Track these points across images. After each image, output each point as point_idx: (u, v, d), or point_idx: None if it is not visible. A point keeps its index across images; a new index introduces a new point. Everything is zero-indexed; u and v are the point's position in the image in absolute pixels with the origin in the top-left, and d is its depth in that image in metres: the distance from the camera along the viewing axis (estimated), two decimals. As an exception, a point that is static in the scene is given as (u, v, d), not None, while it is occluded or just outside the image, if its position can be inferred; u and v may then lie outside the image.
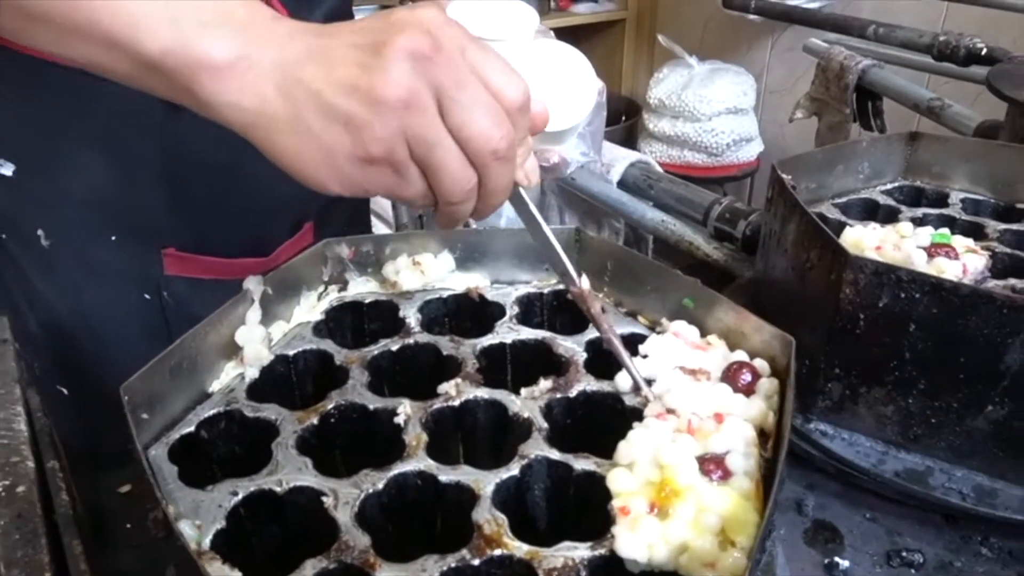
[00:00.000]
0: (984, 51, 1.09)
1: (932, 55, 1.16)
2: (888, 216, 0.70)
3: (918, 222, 0.68)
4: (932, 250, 0.58)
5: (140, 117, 0.66)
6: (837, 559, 0.50)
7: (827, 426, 0.57)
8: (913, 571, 0.50)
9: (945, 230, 0.62)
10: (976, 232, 0.67)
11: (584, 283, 0.46)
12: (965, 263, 0.57)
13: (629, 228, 1.02)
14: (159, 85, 0.40)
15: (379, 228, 1.05)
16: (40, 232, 0.67)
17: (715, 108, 2.13)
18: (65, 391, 0.73)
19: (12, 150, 0.65)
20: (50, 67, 0.61)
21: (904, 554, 0.51)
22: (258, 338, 0.48)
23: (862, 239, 0.61)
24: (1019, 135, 0.88)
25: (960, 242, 0.60)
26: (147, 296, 0.72)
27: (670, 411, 0.41)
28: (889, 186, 0.75)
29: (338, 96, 0.38)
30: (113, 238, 0.69)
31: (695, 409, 0.40)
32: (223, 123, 0.40)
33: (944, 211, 0.71)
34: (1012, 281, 0.59)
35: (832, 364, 0.55)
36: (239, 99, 0.39)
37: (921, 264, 0.57)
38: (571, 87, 0.57)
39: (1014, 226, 0.68)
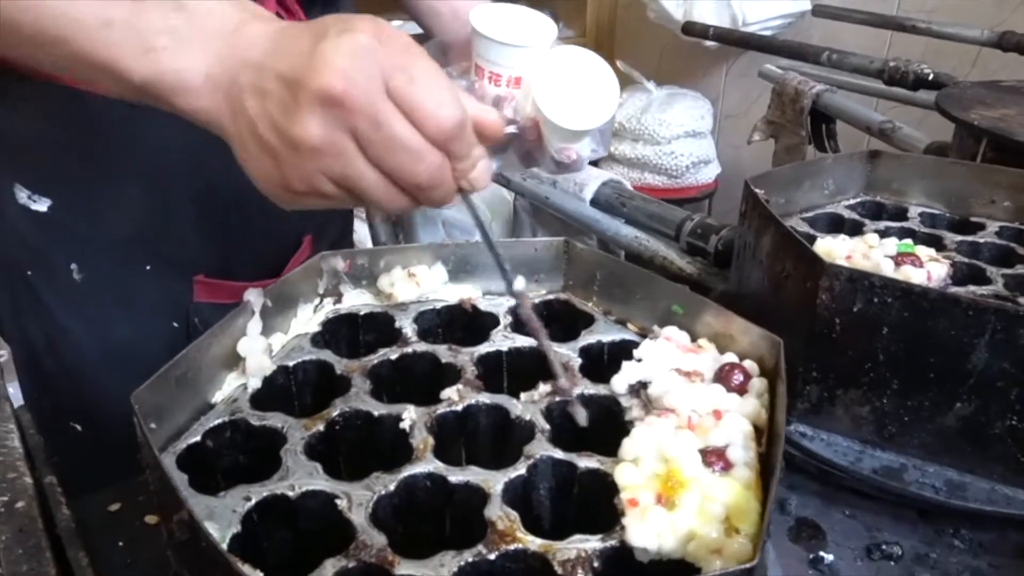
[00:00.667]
0: (931, 76, 1.15)
1: (883, 80, 1.22)
2: (853, 229, 0.74)
3: (881, 234, 0.72)
4: (899, 259, 0.61)
5: (176, 150, 0.67)
6: (821, 553, 0.52)
7: (806, 427, 0.59)
8: (892, 563, 0.52)
9: (908, 241, 0.65)
10: (935, 244, 0.71)
11: (519, 283, 0.48)
12: (929, 271, 0.60)
13: (601, 245, 1.04)
14: (151, 102, 0.43)
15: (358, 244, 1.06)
16: (74, 266, 0.67)
17: (674, 131, 2.19)
18: (79, 427, 0.72)
19: (51, 187, 0.65)
20: (91, 102, 0.63)
21: (883, 547, 0.53)
22: (260, 349, 0.48)
23: (833, 249, 0.64)
24: (968, 154, 0.93)
25: (923, 251, 0.63)
26: (175, 324, 0.73)
27: (669, 410, 0.43)
28: (852, 201, 0.79)
29: (267, 131, 0.40)
30: (148, 268, 0.70)
31: (693, 408, 0.42)
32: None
33: (904, 224, 0.75)
34: (972, 288, 0.62)
35: (810, 368, 0.58)
36: (215, 116, 0.42)
37: (889, 272, 0.60)
38: (593, 90, 0.60)
39: (969, 237, 0.72)
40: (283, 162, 0.40)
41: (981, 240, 0.71)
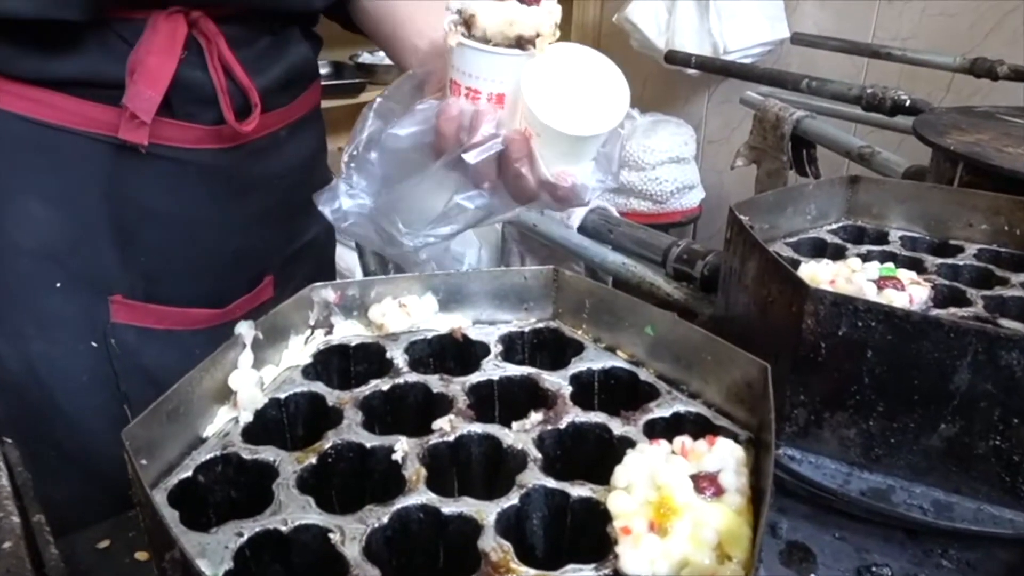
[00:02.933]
0: (908, 102, 1.18)
1: (861, 106, 1.25)
2: (836, 253, 0.75)
3: (864, 258, 0.73)
4: (881, 283, 0.62)
5: (87, 167, 0.67)
6: (813, 576, 0.53)
7: (795, 451, 0.60)
8: (883, 585, 0.53)
9: (890, 264, 0.66)
10: (916, 267, 0.72)
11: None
12: (911, 294, 0.62)
13: (589, 271, 1.05)
14: None
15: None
16: None
17: (658, 158, 2.22)
18: (10, 441, 0.72)
19: None
20: None
21: (873, 569, 0.54)
22: (251, 382, 0.48)
23: (816, 274, 0.65)
24: (945, 178, 0.95)
25: (905, 275, 0.64)
26: (94, 344, 0.71)
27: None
28: (834, 225, 0.81)
29: None
30: (58, 285, 0.69)
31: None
32: None
33: (886, 248, 0.76)
34: (953, 310, 0.63)
35: (797, 392, 0.59)
36: None
37: (872, 295, 0.61)
38: (597, 92, 0.55)
39: (949, 260, 0.73)
40: None
41: (961, 263, 0.73)
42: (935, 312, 0.61)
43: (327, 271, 0.95)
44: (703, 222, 2.39)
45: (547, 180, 0.59)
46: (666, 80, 2.51)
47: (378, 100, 0.63)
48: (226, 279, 0.78)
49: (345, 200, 0.62)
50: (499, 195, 0.61)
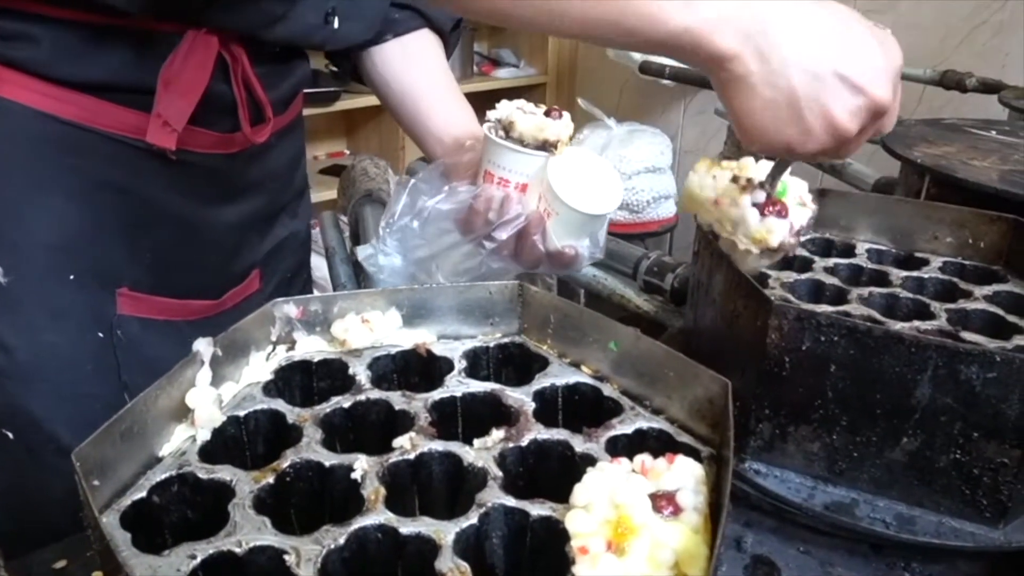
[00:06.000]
0: (877, 114, 1.19)
1: (831, 118, 1.26)
2: (803, 266, 0.75)
3: (830, 271, 0.73)
4: (765, 208, 0.61)
5: (108, 167, 0.71)
6: (777, 592, 0.53)
7: (760, 465, 0.60)
8: (847, 599, 0.53)
9: (780, 186, 0.63)
10: (881, 279, 0.73)
11: None
12: (792, 221, 0.61)
13: (560, 283, 1.05)
14: (669, 52, 0.51)
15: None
16: (0, 270, 0.68)
17: (634, 167, 2.23)
18: (11, 435, 0.72)
19: None
20: (23, 117, 0.66)
21: (837, 583, 0.54)
22: (209, 400, 0.48)
23: (703, 191, 0.64)
24: (912, 190, 0.96)
25: (794, 194, 0.63)
26: (101, 335, 0.74)
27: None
28: (803, 238, 0.81)
29: (808, 103, 0.50)
30: (71, 277, 0.72)
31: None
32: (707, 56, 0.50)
33: (853, 260, 0.76)
34: (916, 323, 0.64)
35: (762, 405, 0.59)
36: (733, 54, 0.49)
37: (755, 222, 0.61)
38: (602, 181, 0.72)
39: (914, 273, 0.74)
40: (803, 124, 0.50)
41: (925, 275, 0.73)
42: (898, 326, 0.62)
43: (305, 267, 0.99)
44: (679, 232, 2.40)
45: (554, 251, 0.74)
46: (642, 90, 2.53)
47: (412, 182, 0.79)
48: (221, 272, 0.83)
49: (382, 258, 0.79)
50: (514, 260, 0.77)
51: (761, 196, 0.61)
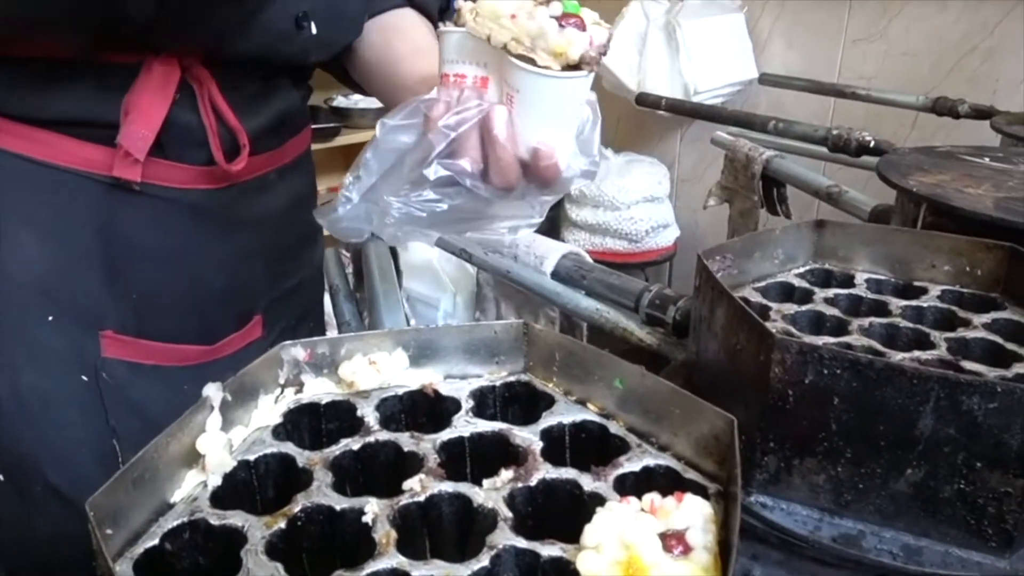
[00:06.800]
0: (872, 143, 1.21)
1: (827, 147, 1.28)
2: (803, 297, 0.76)
3: (831, 302, 0.74)
4: (563, 20, 0.56)
5: (80, 204, 0.69)
6: (788, 626, 0.53)
7: (766, 498, 0.60)
8: (857, 632, 0.53)
9: (575, 2, 0.58)
10: (881, 310, 0.73)
11: None
12: (592, 35, 0.57)
13: (564, 316, 1.06)
14: None
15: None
16: None
17: (633, 197, 2.25)
18: (1, 477, 0.72)
19: None
20: None
21: (847, 616, 0.54)
22: (220, 445, 0.48)
23: (498, 7, 0.57)
24: (909, 218, 0.97)
25: (588, 15, 0.58)
26: (84, 378, 0.72)
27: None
28: (802, 269, 0.82)
29: None
30: (50, 318, 0.70)
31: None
32: None
33: (852, 291, 0.77)
34: (917, 353, 0.64)
35: (767, 439, 0.59)
36: None
37: (554, 34, 0.56)
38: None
39: (913, 302, 0.75)
40: None
41: (924, 304, 0.74)
42: (898, 356, 0.62)
43: (315, 314, 0.96)
44: (678, 260, 2.42)
45: (528, 152, 0.59)
46: (639, 120, 2.56)
47: (382, 123, 0.63)
48: (215, 316, 0.80)
49: (341, 209, 0.63)
50: (483, 180, 0.60)
51: (557, 8, 0.56)
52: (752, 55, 2.25)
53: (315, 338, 0.56)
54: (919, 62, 1.97)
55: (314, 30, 0.74)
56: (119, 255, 0.71)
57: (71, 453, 0.73)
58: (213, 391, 0.49)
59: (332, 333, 1.25)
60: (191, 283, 0.76)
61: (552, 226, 2.54)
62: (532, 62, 0.56)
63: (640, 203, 2.27)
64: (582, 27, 0.56)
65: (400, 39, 0.81)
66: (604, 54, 0.57)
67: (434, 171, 0.59)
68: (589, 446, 0.53)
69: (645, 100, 1.68)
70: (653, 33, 2.20)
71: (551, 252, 1.02)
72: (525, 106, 0.58)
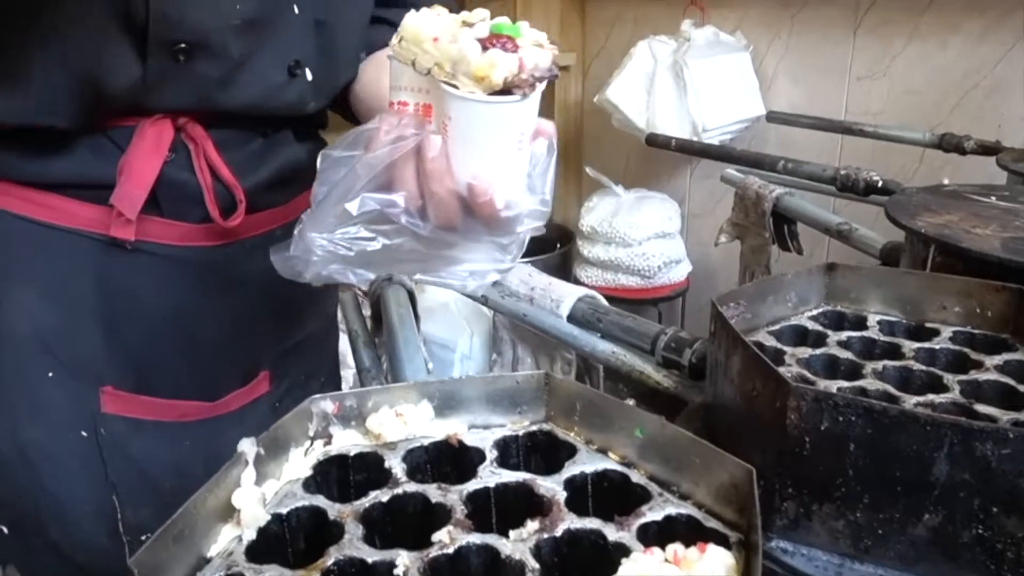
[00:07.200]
0: (880, 183, 1.23)
1: (836, 187, 1.30)
2: (817, 340, 0.77)
3: (844, 345, 0.75)
4: (488, 41, 0.52)
5: (78, 263, 0.70)
6: (811, 673, 0.53)
7: (786, 543, 0.61)
8: None
9: (504, 20, 0.54)
10: (894, 352, 0.75)
11: None
12: (523, 57, 0.52)
13: (580, 359, 1.07)
14: None
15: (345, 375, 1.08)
16: None
17: (644, 233, 2.27)
18: (5, 529, 0.72)
19: None
20: None
21: (870, 662, 0.54)
22: (255, 499, 0.50)
23: (421, 30, 0.54)
24: (919, 258, 0.99)
25: (531, 36, 0.54)
26: (84, 433, 0.73)
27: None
28: (814, 312, 0.84)
29: None
30: (51, 374, 0.71)
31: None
32: None
33: (865, 333, 0.79)
34: (931, 396, 0.66)
35: (785, 484, 0.60)
36: None
37: (475, 56, 0.52)
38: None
39: (925, 344, 0.76)
40: None
41: (937, 346, 0.75)
42: (912, 400, 0.64)
43: (327, 366, 0.97)
44: (691, 295, 2.43)
45: (463, 186, 0.55)
46: (648, 156, 2.59)
47: (324, 154, 0.62)
48: (218, 372, 0.80)
49: (293, 247, 0.61)
50: (420, 215, 0.57)
51: (484, 30, 0.52)
52: (759, 92, 2.28)
53: (343, 391, 0.58)
54: (923, 98, 1.99)
55: (309, 76, 0.74)
56: (118, 312, 0.72)
57: (70, 508, 0.73)
58: (248, 446, 0.51)
59: (348, 378, 1.26)
60: (192, 340, 0.77)
61: (564, 262, 2.56)
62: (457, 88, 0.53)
63: (651, 239, 2.29)
64: (511, 48, 0.52)
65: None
66: (544, 79, 0.53)
67: (358, 205, 0.55)
68: (611, 495, 0.54)
69: (655, 141, 1.71)
70: (661, 73, 2.24)
71: (567, 295, 1.04)
72: (458, 135, 0.54)
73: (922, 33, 1.96)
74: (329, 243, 0.56)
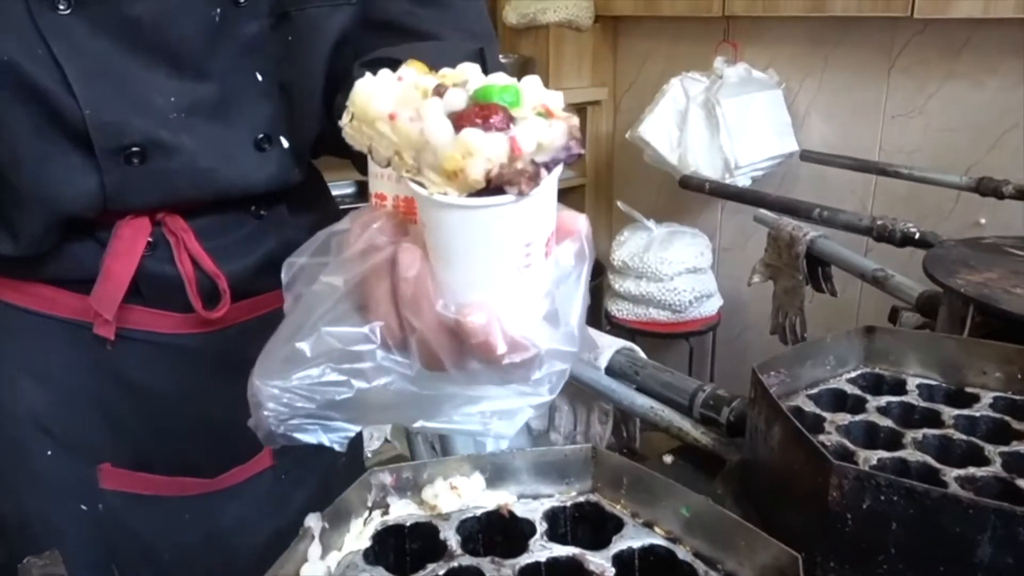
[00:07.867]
0: (917, 235, 1.23)
1: (872, 236, 1.31)
2: (856, 406, 0.78)
3: (883, 411, 0.77)
4: (467, 116, 0.37)
5: (69, 349, 0.72)
6: None
7: (829, 617, 0.62)
8: None
9: (494, 81, 0.39)
10: (934, 419, 0.76)
11: None
12: (516, 136, 0.36)
13: (618, 411, 1.09)
14: None
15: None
16: None
17: (675, 268, 2.28)
18: None
19: None
20: None
21: None
22: (321, 573, 0.52)
23: (370, 104, 0.39)
24: (957, 316, 0.99)
25: (536, 99, 0.38)
26: (84, 507, 0.75)
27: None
28: (853, 374, 0.85)
29: None
30: (49, 453, 0.73)
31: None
32: None
33: (904, 398, 0.80)
34: (972, 470, 0.66)
35: (828, 558, 0.62)
36: None
37: (443, 142, 0.37)
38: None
39: (965, 411, 0.77)
40: None
41: (977, 413, 0.76)
42: (953, 473, 0.65)
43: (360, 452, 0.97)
44: (722, 329, 2.43)
45: (452, 317, 0.40)
46: (679, 190, 2.60)
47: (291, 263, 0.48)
48: (218, 450, 0.79)
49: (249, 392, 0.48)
50: (402, 351, 0.43)
51: (460, 99, 0.37)
52: (791, 130, 2.29)
53: (401, 464, 0.61)
54: (959, 137, 1.99)
55: (286, 144, 0.70)
56: (113, 395, 0.73)
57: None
58: (314, 521, 0.54)
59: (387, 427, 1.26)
60: (189, 421, 0.77)
61: (594, 296, 2.58)
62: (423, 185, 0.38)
63: (683, 274, 2.30)
64: (500, 124, 0.36)
65: None
66: (555, 163, 0.37)
67: (311, 345, 0.42)
68: (658, 570, 0.56)
69: (689, 183, 1.73)
70: (693, 110, 2.27)
71: (605, 348, 1.06)
72: (439, 249, 0.40)
73: (958, 73, 1.96)
74: (282, 393, 0.42)
